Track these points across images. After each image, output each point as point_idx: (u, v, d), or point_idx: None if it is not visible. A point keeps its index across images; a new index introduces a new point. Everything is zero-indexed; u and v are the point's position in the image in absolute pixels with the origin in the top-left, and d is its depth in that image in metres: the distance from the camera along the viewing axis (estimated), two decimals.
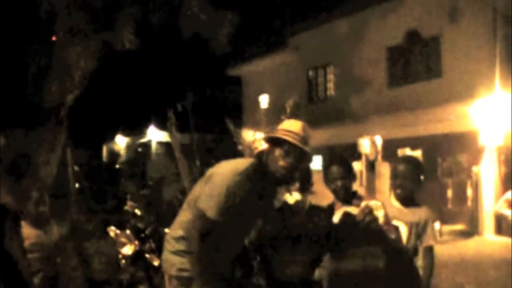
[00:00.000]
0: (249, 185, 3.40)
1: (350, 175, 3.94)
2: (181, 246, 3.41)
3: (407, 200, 4.04)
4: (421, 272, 3.91)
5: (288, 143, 3.40)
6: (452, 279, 8.56)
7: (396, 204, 4.06)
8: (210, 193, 3.33)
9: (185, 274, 3.37)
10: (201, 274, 3.28)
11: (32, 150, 7.33)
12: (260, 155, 3.58)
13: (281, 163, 3.40)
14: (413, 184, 4.00)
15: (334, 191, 3.90)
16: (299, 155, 3.43)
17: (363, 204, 3.62)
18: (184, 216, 3.47)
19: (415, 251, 3.93)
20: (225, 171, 3.43)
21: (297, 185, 4.08)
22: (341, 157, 4.28)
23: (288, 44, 22.37)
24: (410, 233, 3.92)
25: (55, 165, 7.64)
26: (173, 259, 3.46)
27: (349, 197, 3.87)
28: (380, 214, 3.54)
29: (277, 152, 3.42)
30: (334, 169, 3.91)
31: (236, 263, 3.77)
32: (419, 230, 3.93)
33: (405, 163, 4.10)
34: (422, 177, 4.07)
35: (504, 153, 15.08)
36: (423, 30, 17.29)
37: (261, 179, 3.47)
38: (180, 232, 3.44)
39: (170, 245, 3.51)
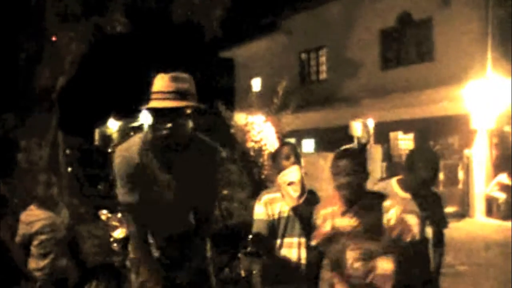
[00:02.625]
0: (148, 157, 3.14)
1: (359, 174, 3.40)
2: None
3: (407, 187, 3.74)
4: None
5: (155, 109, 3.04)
6: (444, 260, 8.58)
7: (400, 192, 3.76)
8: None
9: (133, 256, 3.39)
10: (145, 259, 3.25)
11: (24, 134, 7.32)
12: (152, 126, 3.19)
13: (163, 131, 3.02)
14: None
15: (338, 188, 3.40)
16: (176, 114, 3.01)
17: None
18: None
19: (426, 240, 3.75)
20: (115, 153, 3.27)
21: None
22: (353, 150, 3.79)
23: (280, 27, 22.26)
24: (422, 224, 3.63)
25: (47, 149, 7.63)
26: (130, 241, 3.48)
27: (353, 195, 3.38)
28: (392, 214, 3.30)
29: (156, 119, 3.06)
30: (342, 162, 3.39)
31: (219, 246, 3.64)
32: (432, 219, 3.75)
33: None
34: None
35: (496, 136, 15.13)
36: (415, 12, 17.25)
37: (159, 154, 3.15)
38: None
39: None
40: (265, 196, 3.89)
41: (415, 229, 3.54)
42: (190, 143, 3.20)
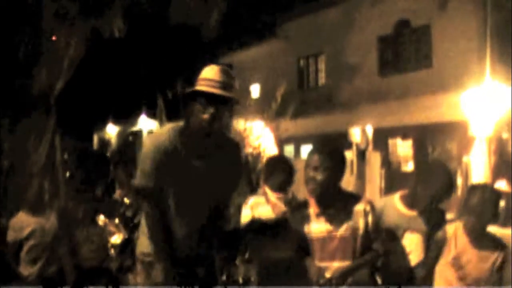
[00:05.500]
0: (178, 148, 3.17)
1: (333, 168, 3.24)
2: (146, 227, 3.32)
3: (416, 203, 3.59)
4: None
5: (204, 93, 3.11)
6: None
7: (404, 209, 3.64)
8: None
9: (147, 258, 3.28)
10: (162, 258, 3.17)
11: (20, 137, 7.30)
12: (187, 114, 3.23)
13: (204, 115, 3.09)
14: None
15: (306, 183, 3.27)
16: (220, 103, 3.12)
17: (359, 207, 3.21)
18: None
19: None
20: (144, 141, 3.33)
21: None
22: (328, 145, 3.69)
23: (277, 33, 22.29)
24: (427, 243, 3.55)
25: (44, 152, 7.61)
26: (141, 240, 3.39)
27: (324, 196, 3.24)
28: (366, 221, 3.18)
29: (198, 105, 3.12)
30: (311, 156, 3.29)
31: (218, 245, 3.58)
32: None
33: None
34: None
35: (494, 143, 15.11)
36: (413, 19, 17.28)
37: (195, 141, 3.19)
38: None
39: (142, 226, 3.44)
40: (251, 200, 3.99)
41: (418, 249, 3.53)
42: (219, 136, 3.27)
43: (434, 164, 3.98)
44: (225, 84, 3.16)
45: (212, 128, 3.13)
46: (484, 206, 3.57)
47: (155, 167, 3.15)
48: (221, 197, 3.38)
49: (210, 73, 3.20)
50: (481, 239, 3.66)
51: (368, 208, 3.24)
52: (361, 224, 3.21)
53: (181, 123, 3.26)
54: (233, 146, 3.47)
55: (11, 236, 4.89)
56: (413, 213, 3.63)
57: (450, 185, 3.69)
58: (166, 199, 3.20)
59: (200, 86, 3.15)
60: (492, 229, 3.69)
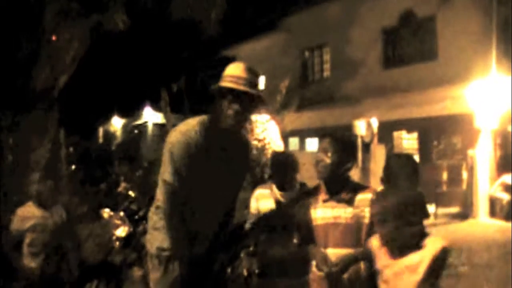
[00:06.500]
0: (204, 143, 3.21)
1: (339, 151, 3.28)
2: (161, 222, 3.30)
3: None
4: None
5: (231, 89, 3.17)
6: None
7: None
8: (163, 160, 3.25)
9: (164, 253, 3.27)
10: (180, 254, 3.19)
11: (24, 132, 7.31)
12: (213, 110, 3.29)
13: (229, 111, 3.16)
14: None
15: (315, 166, 3.33)
16: (246, 100, 3.19)
17: (358, 198, 3.23)
18: (159, 192, 3.35)
19: None
20: (170, 135, 3.29)
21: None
22: (339, 135, 3.56)
23: (281, 25, 22.24)
24: None
25: (48, 147, 7.63)
26: (153, 236, 3.36)
27: (332, 181, 3.28)
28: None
29: (224, 101, 3.18)
30: (323, 139, 3.36)
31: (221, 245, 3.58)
32: None
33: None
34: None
35: (500, 136, 15.06)
36: (418, 10, 17.19)
37: (219, 137, 3.25)
38: (158, 208, 3.34)
39: (151, 222, 3.42)
40: (258, 191, 4.02)
41: None
42: (235, 133, 3.34)
43: (395, 159, 3.85)
44: (251, 81, 3.22)
45: (236, 124, 3.20)
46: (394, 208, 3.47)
47: (185, 164, 3.17)
48: (233, 193, 3.45)
49: (236, 70, 3.25)
50: (403, 246, 2.96)
51: (374, 197, 3.28)
52: (366, 213, 3.24)
53: (205, 118, 3.30)
54: (245, 143, 3.54)
55: (15, 225, 4.93)
56: None
57: (414, 178, 3.59)
58: (188, 195, 3.21)
59: (227, 83, 3.20)
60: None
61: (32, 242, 4.90)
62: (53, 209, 5.08)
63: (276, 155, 4.61)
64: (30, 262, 4.90)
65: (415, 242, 2.88)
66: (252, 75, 3.24)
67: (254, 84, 3.23)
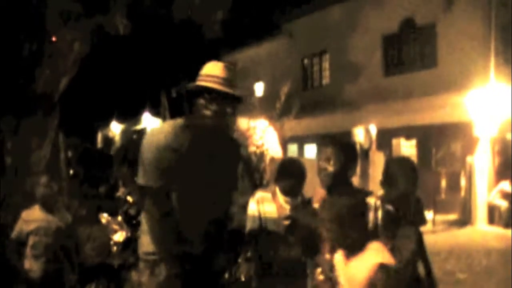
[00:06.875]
0: (178, 145, 3.10)
1: (342, 159, 3.25)
2: (145, 226, 3.24)
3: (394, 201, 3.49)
4: None
5: (208, 89, 3.05)
6: (444, 267, 8.57)
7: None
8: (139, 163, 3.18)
9: (150, 257, 3.20)
10: (165, 257, 3.11)
11: (24, 135, 7.32)
12: (189, 110, 3.19)
13: (206, 112, 3.06)
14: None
15: (318, 174, 3.29)
16: (224, 100, 3.08)
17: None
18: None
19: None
20: (144, 138, 3.20)
21: None
22: (342, 141, 3.55)
23: (281, 31, 22.29)
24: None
25: (48, 150, 7.64)
26: (141, 240, 3.31)
27: (335, 188, 3.23)
28: (375, 215, 3.15)
29: (200, 101, 3.08)
30: (324, 148, 3.30)
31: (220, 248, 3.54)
32: None
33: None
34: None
35: (498, 144, 15.09)
36: (418, 18, 17.24)
37: (196, 137, 3.15)
38: (144, 212, 3.28)
39: (142, 225, 3.35)
40: (258, 194, 3.99)
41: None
42: (221, 134, 3.25)
43: (396, 162, 3.88)
44: (230, 81, 3.12)
45: (215, 125, 3.10)
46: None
47: (158, 165, 3.08)
48: (223, 195, 3.34)
49: (214, 69, 3.15)
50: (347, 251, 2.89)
51: (378, 203, 3.27)
52: (370, 218, 3.24)
53: (180, 120, 3.20)
54: (234, 145, 3.43)
55: (19, 226, 4.95)
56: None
57: (413, 180, 3.58)
58: (169, 198, 3.14)
59: (204, 82, 3.10)
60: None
61: (35, 244, 4.92)
62: (58, 213, 5.10)
63: (286, 160, 4.60)
64: (32, 264, 4.91)
65: (356, 247, 2.80)
66: (231, 74, 3.15)
67: (233, 83, 3.13)
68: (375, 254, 2.76)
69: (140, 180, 3.14)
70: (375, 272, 2.69)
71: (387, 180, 3.64)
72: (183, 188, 3.14)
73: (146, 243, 3.24)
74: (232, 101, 3.13)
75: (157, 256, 3.16)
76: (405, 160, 3.97)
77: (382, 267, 2.69)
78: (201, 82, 3.10)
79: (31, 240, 4.92)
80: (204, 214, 3.23)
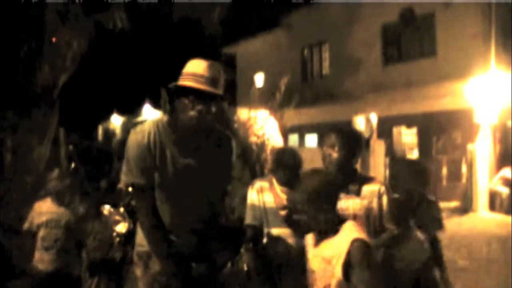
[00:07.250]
0: (160, 142, 3.12)
1: (347, 146, 3.29)
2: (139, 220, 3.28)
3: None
4: None
5: (192, 89, 3.02)
6: (446, 254, 8.59)
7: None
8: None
9: (141, 249, 3.23)
10: (156, 251, 3.11)
11: (25, 132, 7.35)
12: (172, 108, 3.18)
13: (191, 112, 3.04)
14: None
15: (323, 160, 3.33)
16: (208, 99, 3.05)
17: (366, 189, 3.18)
18: None
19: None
20: (129, 136, 3.22)
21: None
22: (346, 129, 3.63)
23: (281, 22, 22.22)
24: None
25: (48, 145, 7.66)
26: (137, 233, 3.35)
27: (345, 177, 3.24)
28: (380, 201, 3.22)
29: (184, 101, 3.06)
30: (329, 134, 3.35)
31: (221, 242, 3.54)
32: None
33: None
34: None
35: (499, 131, 15.08)
36: (418, 7, 17.20)
37: (179, 134, 3.15)
38: None
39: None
40: (258, 184, 3.99)
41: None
42: (209, 130, 3.24)
43: (406, 163, 3.90)
44: (214, 80, 3.08)
45: (198, 125, 3.09)
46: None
47: (141, 163, 3.10)
48: (215, 190, 3.33)
49: (197, 68, 3.11)
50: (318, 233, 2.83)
51: (382, 189, 3.30)
52: (375, 204, 3.26)
53: (164, 117, 3.21)
54: (225, 139, 3.39)
55: (30, 217, 5.02)
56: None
57: (424, 184, 3.75)
58: (158, 194, 3.16)
59: (188, 81, 3.07)
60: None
61: (45, 236, 4.99)
62: (73, 205, 5.18)
63: (281, 150, 4.60)
64: (42, 256, 4.99)
65: (329, 228, 2.72)
66: (216, 72, 3.10)
67: (217, 82, 3.09)
68: (350, 233, 2.67)
69: (125, 178, 3.16)
70: (351, 247, 2.59)
71: (393, 179, 3.68)
72: (168, 185, 3.16)
73: (139, 236, 3.29)
74: (216, 99, 3.11)
75: (147, 249, 3.19)
76: (413, 163, 3.99)
77: (357, 240, 2.61)
78: (184, 81, 3.08)
79: (41, 232, 4.98)
80: (193, 209, 3.23)
